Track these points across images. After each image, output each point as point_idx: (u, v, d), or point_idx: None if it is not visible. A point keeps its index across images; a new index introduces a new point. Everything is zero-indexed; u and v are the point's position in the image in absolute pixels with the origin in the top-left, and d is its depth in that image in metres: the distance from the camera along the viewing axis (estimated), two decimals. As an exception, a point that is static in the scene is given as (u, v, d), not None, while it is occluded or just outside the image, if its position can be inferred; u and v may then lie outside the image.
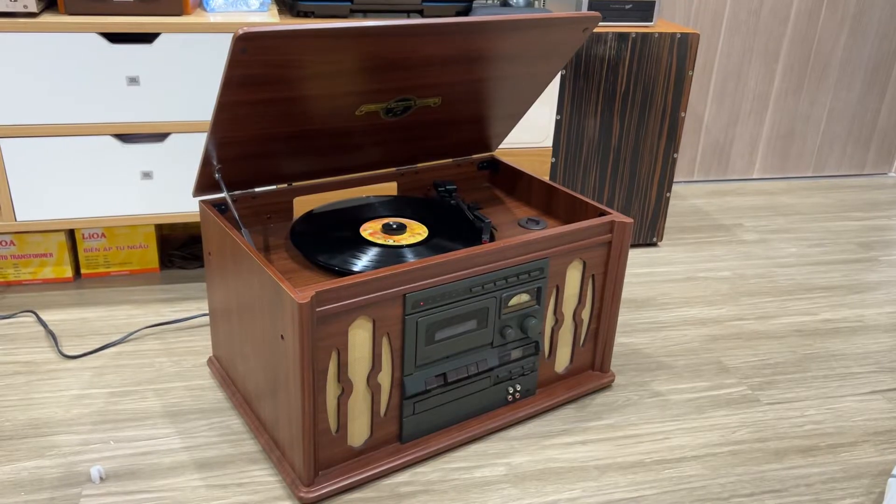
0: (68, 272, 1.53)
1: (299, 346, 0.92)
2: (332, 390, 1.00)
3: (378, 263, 1.09)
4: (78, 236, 1.52)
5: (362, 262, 1.09)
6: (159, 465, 1.08)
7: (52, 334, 1.36)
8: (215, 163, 1.10)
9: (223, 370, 1.24)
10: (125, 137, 1.38)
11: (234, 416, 1.18)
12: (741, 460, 1.15)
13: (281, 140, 1.11)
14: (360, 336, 1.00)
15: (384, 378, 1.05)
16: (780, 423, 1.23)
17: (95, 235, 1.53)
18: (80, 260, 1.55)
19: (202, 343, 1.36)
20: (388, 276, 0.98)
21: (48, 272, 1.52)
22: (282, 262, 1.13)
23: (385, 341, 1.03)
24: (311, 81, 1.00)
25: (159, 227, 1.63)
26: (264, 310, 1.00)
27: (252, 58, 0.92)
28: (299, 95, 1.02)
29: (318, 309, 0.93)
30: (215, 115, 0.99)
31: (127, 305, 1.47)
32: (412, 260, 1.09)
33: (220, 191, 1.16)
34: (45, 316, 1.42)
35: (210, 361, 1.28)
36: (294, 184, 1.25)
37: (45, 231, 1.48)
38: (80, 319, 1.42)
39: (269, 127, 1.06)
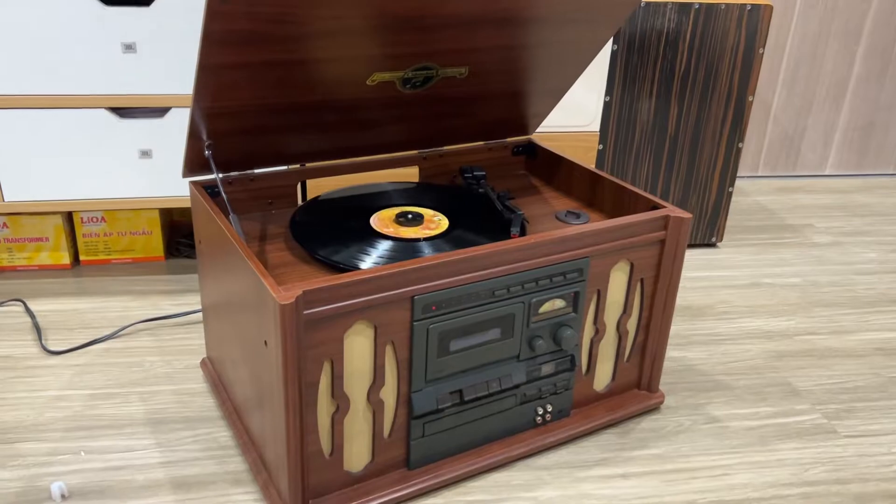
0: (66, 259, 1.42)
1: (282, 354, 0.77)
2: (324, 406, 0.85)
3: (388, 259, 0.93)
4: (76, 220, 1.41)
5: (371, 257, 0.93)
6: (131, 482, 0.94)
7: (36, 327, 1.24)
8: (205, 138, 0.96)
9: (216, 374, 1.10)
10: (122, 111, 1.25)
11: (222, 428, 1.04)
12: (816, 506, 0.96)
13: (280, 113, 0.96)
14: (358, 344, 0.84)
15: (388, 394, 0.89)
16: (862, 461, 1.04)
17: (95, 219, 1.41)
18: (79, 246, 1.43)
19: (198, 342, 1.23)
20: (394, 274, 0.82)
21: (44, 258, 1.41)
22: (278, 255, 0.98)
23: (389, 351, 0.87)
24: (310, 42, 0.85)
25: (165, 213, 1.50)
26: (250, 309, 0.85)
27: (234, 9, 0.76)
28: (297, 59, 0.87)
29: (305, 311, 0.78)
30: (197, 79, 0.84)
31: (125, 297, 1.35)
32: (428, 255, 0.93)
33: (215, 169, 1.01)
34: (35, 306, 1.31)
35: (203, 363, 1.14)
36: (300, 166, 1.10)
37: (37, 213, 1.36)
38: (71, 311, 1.29)
39: (263, 96, 0.91)
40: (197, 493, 0.93)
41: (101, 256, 1.44)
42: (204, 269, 1.03)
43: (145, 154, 1.27)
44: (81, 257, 1.44)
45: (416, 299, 0.85)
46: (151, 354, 1.19)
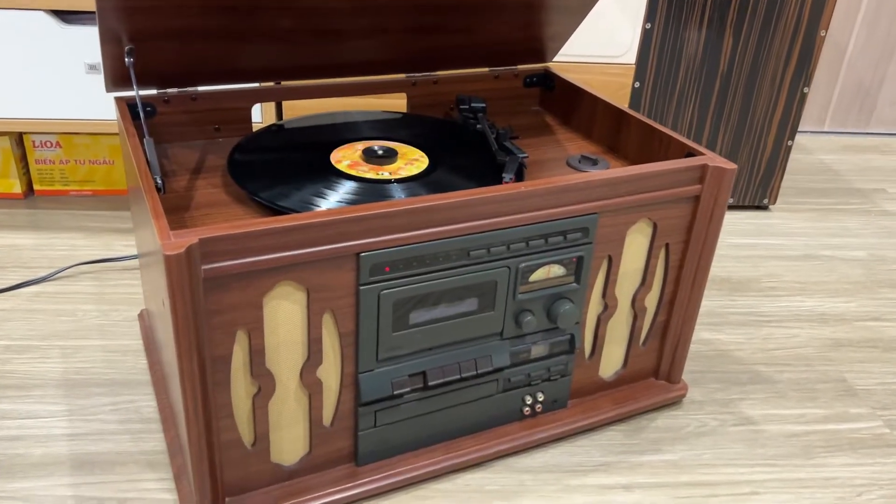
0: (17, 187, 1.26)
1: (173, 318, 0.59)
2: (241, 386, 0.67)
3: (346, 204, 0.74)
4: (28, 144, 1.24)
5: (324, 200, 0.74)
6: (25, 457, 0.78)
7: (-36, 263, 1.09)
8: (124, 42, 0.77)
9: (150, 330, 0.93)
10: (65, 15, 1.07)
11: (149, 397, 0.87)
12: (870, 545, 0.75)
13: (216, 13, 0.76)
14: (285, 311, 0.65)
15: (328, 374, 0.71)
16: (933, 487, 0.83)
17: (48, 144, 1.24)
18: (32, 174, 1.27)
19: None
20: (330, 223, 0.63)
21: (-8, 185, 1.25)
22: (210, 192, 0.79)
23: (328, 321, 0.68)
24: (238, -89, 0.65)
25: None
26: (152, 258, 0.67)
27: None
28: (225, -65, 0.67)
29: (205, 266, 0.59)
30: (92, -43, 0.65)
31: (75, 233, 1.18)
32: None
33: (145, 83, 0.83)
34: (-27, 238, 1.15)
35: (141, 316, 0.98)
36: (257, 85, 0.90)
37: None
38: (10, 246, 1.14)
39: (190, -12, 0.72)
40: (100, 475, 0.77)
41: (58, 187, 1.28)
42: (132, 205, 0.86)
43: (93, 68, 1.09)
44: (35, 187, 1.28)
45: (362, 257, 0.65)
46: (87, 302, 1.03)
